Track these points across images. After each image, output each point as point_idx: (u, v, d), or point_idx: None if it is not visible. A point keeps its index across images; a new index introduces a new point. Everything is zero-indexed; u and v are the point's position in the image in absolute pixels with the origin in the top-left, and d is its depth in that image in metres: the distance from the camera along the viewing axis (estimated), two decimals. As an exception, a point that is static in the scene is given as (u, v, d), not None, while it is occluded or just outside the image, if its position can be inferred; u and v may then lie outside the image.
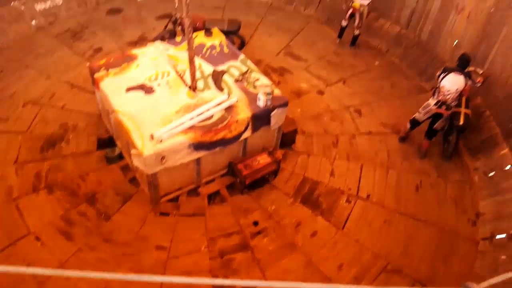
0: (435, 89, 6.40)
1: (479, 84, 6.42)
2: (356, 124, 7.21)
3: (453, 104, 6.26)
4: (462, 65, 6.27)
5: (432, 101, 6.38)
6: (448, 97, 6.19)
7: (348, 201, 5.98)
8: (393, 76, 8.36)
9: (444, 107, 6.26)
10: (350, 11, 8.57)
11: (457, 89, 6.14)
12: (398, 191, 6.16)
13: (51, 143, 6.41)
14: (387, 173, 6.40)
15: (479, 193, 6.15)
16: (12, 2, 8.80)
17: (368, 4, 8.43)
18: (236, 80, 6.28)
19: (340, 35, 9.08)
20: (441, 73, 6.30)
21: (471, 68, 6.57)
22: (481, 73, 6.55)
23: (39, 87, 7.43)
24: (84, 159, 6.22)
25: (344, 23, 8.86)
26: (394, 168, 6.49)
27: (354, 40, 8.99)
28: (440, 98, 6.26)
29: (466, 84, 6.16)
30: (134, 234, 5.38)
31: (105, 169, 6.13)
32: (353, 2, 8.47)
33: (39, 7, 9.15)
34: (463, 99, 6.41)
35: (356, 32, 8.80)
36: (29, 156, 6.19)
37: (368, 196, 6.06)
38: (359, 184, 6.22)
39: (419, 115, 6.57)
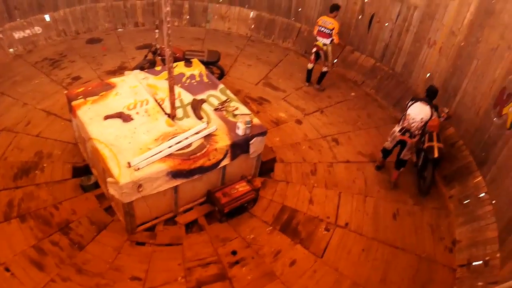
0: (402, 116, 6.52)
1: (442, 119, 6.64)
2: (333, 153, 7.30)
3: (416, 132, 6.34)
4: (430, 96, 6.39)
5: (397, 128, 6.52)
6: (412, 125, 6.30)
7: (326, 229, 5.97)
8: (369, 107, 8.58)
9: (407, 134, 6.37)
10: (314, 49, 8.59)
11: (422, 118, 6.24)
12: (376, 219, 6.18)
13: (25, 171, 6.25)
14: (365, 201, 6.44)
15: (455, 220, 6.21)
16: (-10, 30, 8.80)
17: (331, 42, 8.41)
18: (215, 109, 6.33)
19: (308, 79, 8.99)
20: (409, 102, 6.44)
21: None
22: (447, 112, 6.76)
23: (15, 114, 7.33)
24: (59, 187, 6.07)
25: (310, 65, 8.83)
26: (372, 196, 6.55)
27: (321, 77, 8.85)
28: (405, 125, 6.37)
29: (431, 115, 6.23)
30: (109, 264, 5.19)
31: (80, 197, 5.98)
32: (316, 41, 8.55)
33: (17, 35, 9.17)
34: (434, 134, 6.47)
35: (324, 69, 8.72)
36: (1, 184, 6.01)
37: (346, 224, 6.06)
38: (337, 212, 6.24)
39: (387, 143, 6.72)
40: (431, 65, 7.83)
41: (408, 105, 6.41)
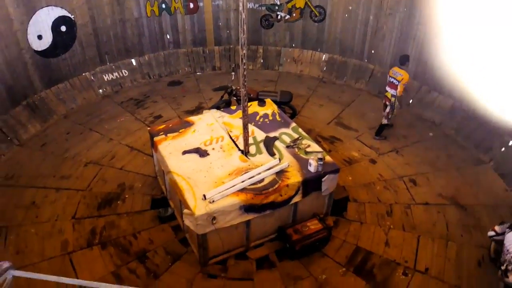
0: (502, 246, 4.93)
1: None
2: (411, 194, 6.97)
3: None
4: None
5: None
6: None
7: (404, 273, 5.61)
8: (449, 147, 8.17)
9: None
10: (384, 100, 8.25)
11: None
12: (459, 265, 5.73)
13: (108, 201, 6.66)
14: (446, 246, 6.02)
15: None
16: (84, 73, 9.74)
17: (397, 96, 7.91)
18: (288, 146, 6.37)
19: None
20: (507, 227, 4.99)
21: None
22: None
23: (101, 148, 7.92)
24: (138, 217, 6.38)
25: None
26: (454, 240, 6.10)
27: (379, 130, 8.45)
28: (506, 258, 4.83)
29: None
30: (182, 295, 5.27)
31: (157, 228, 6.22)
32: (386, 92, 8.16)
33: (106, 77, 10.08)
34: None
35: (384, 121, 8.27)
36: (86, 212, 6.44)
37: (426, 269, 5.67)
38: (416, 256, 5.87)
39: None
40: (517, 104, 7.37)
41: (506, 232, 4.89)
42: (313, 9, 10.80)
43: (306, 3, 10.79)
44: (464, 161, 7.80)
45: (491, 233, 5.12)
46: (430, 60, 9.11)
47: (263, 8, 11.13)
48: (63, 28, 9.05)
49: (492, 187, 7.17)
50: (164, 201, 6.64)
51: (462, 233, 6.23)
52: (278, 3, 10.97)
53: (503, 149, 7.61)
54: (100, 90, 9.94)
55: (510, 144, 7.50)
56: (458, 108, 8.72)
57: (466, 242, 6.10)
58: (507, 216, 6.45)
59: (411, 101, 9.38)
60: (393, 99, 8.01)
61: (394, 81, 7.89)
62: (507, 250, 4.87)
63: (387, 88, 8.10)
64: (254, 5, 11.11)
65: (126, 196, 6.76)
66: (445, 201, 6.84)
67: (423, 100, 9.35)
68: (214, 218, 5.21)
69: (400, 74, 7.81)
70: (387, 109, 8.14)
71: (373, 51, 10.37)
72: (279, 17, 11.15)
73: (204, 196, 5.26)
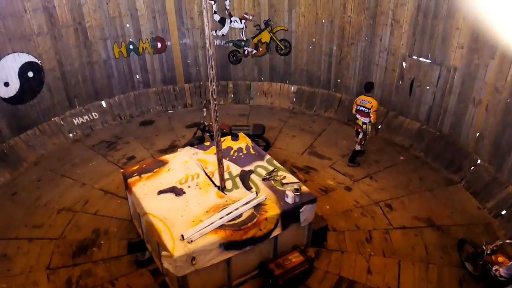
0: None
1: None
2: (388, 219, 7.05)
3: None
4: None
5: None
6: None
7: (388, 300, 5.63)
8: (420, 170, 8.37)
9: None
10: (355, 128, 8.43)
11: None
12: (441, 287, 5.77)
13: (83, 248, 6.46)
14: (427, 269, 6.07)
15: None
16: (53, 118, 9.61)
17: (370, 121, 8.11)
18: (264, 179, 6.39)
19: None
20: None
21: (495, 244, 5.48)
22: None
23: (74, 194, 7.73)
24: (115, 263, 6.18)
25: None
26: (434, 262, 6.16)
27: (353, 156, 8.60)
28: None
29: None
30: None
31: (135, 273, 6.03)
32: (357, 119, 8.35)
33: (76, 121, 9.98)
34: None
35: (357, 147, 8.43)
36: (61, 261, 6.21)
37: (409, 294, 5.70)
38: (399, 281, 5.88)
39: None
40: (480, 123, 7.67)
41: None
42: (279, 43, 11.10)
43: (271, 37, 11.09)
44: (435, 182, 7.99)
45: (502, 279, 5.17)
46: (393, 85, 9.45)
47: (230, 44, 11.37)
48: (30, 74, 8.96)
49: (466, 206, 7.35)
50: (141, 244, 6.47)
51: (441, 254, 6.32)
52: (244, 38, 11.23)
53: (472, 167, 7.85)
54: (71, 135, 9.80)
55: (478, 162, 7.76)
56: (424, 130, 9.01)
57: (446, 263, 6.17)
58: (482, 233, 6.62)
59: (380, 126, 9.63)
60: (364, 126, 8.19)
61: (364, 109, 8.07)
62: None
63: (358, 116, 8.27)
64: (221, 42, 11.34)
65: (102, 242, 6.58)
66: (421, 223, 6.95)
67: (391, 124, 9.63)
68: (193, 258, 5.11)
69: (368, 102, 8.01)
70: (360, 136, 8.31)
71: (339, 80, 10.68)
72: (246, 52, 11.41)
73: (182, 236, 5.17)
